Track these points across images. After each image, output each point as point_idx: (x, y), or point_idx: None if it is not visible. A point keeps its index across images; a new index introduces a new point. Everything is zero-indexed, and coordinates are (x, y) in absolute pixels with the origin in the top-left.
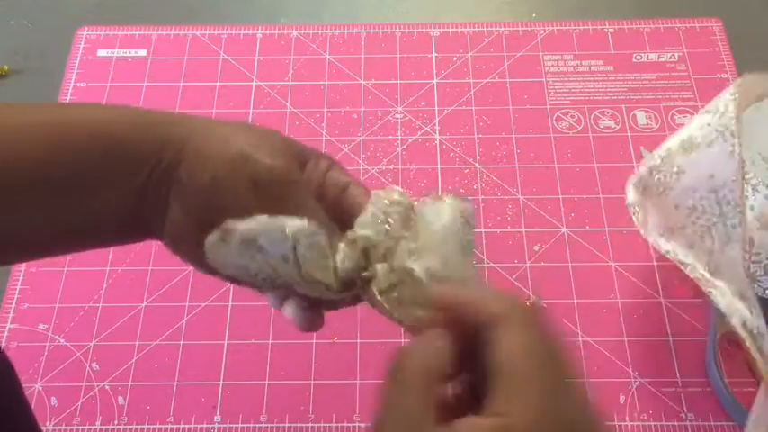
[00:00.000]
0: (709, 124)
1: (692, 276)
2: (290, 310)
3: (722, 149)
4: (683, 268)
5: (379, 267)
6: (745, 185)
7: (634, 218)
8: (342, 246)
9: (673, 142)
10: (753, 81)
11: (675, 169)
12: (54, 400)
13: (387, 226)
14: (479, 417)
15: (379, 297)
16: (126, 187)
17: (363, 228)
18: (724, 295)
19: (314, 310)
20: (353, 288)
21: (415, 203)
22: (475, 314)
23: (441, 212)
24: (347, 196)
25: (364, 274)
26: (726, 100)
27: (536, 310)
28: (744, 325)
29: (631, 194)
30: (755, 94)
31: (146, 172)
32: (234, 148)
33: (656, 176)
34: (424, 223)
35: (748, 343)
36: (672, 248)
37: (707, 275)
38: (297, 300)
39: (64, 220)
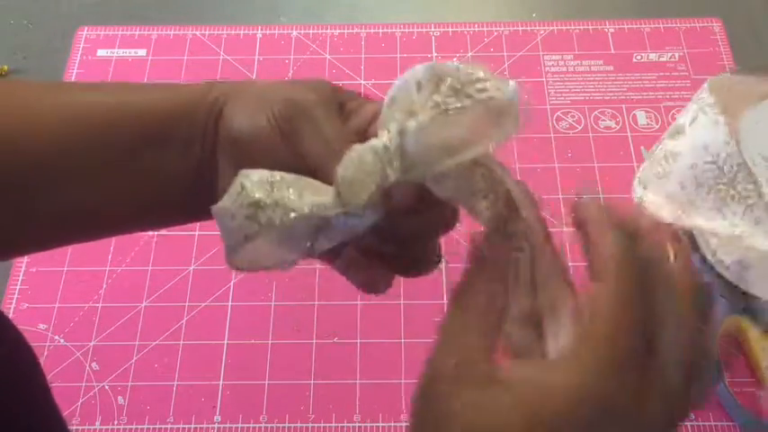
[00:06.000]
0: (690, 109)
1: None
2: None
3: (707, 121)
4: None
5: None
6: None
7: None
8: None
9: (664, 136)
10: (729, 80)
11: (671, 155)
12: None
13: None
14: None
15: None
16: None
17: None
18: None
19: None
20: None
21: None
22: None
23: None
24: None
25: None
26: (703, 88)
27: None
28: None
29: (638, 190)
30: (759, 92)
31: (197, 147)
32: (260, 94)
33: (656, 168)
34: None
35: None
36: (695, 223)
37: (747, 229)
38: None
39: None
